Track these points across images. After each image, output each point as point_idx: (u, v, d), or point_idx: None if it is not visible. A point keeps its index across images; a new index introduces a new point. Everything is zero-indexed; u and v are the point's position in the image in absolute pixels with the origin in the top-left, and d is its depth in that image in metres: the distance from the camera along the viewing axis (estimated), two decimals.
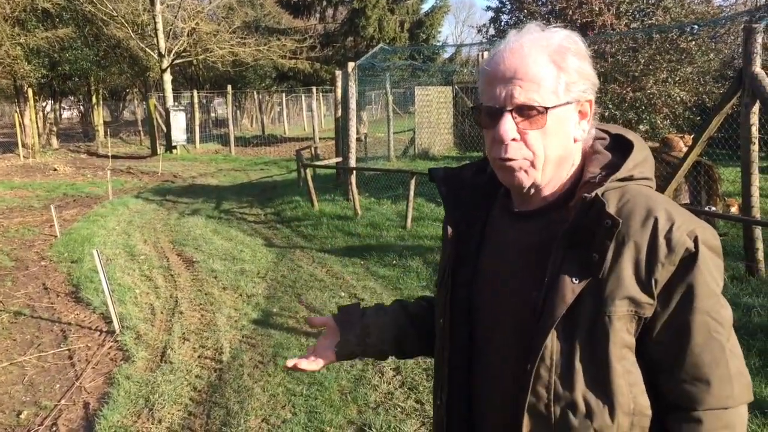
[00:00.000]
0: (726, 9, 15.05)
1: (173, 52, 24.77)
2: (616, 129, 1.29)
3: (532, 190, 1.23)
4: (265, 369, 4.67)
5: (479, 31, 17.07)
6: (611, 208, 1.14)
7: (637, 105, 12.18)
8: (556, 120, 1.18)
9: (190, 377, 4.62)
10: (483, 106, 1.21)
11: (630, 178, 1.19)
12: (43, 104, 29.69)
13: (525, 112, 1.16)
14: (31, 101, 24.32)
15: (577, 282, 1.13)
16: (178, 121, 23.69)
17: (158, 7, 23.62)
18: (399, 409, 3.96)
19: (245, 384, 4.44)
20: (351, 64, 11.46)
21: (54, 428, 4.05)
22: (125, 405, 4.22)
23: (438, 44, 31.22)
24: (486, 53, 8.99)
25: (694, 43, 11.92)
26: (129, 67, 30.15)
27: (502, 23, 16.68)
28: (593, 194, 1.13)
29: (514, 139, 1.17)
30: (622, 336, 1.13)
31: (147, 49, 25.01)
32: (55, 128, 29.47)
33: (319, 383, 4.35)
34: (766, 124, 6.56)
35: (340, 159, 12.48)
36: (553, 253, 1.16)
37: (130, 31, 24.10)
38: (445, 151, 18.03)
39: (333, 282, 6.79)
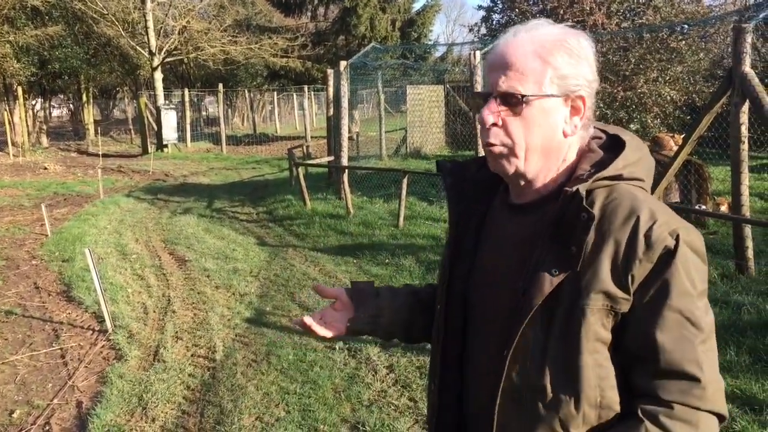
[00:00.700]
0: (715, 9, 15.15)
1: (164, 50, 24.66)
2: (614, 129, 1.31)
3: (523, 182, 1.27)
4: (259, 367, 4.68)
5: (471, 30, 17.09)
6: (597, 205, 1.17)
7: (628, 104, 12.26)
8: (539, 111, 1.21)
9: (184, 376, 4.62)
10: (475, 92, 1.30)
11: (619, 177, 1.21)
12: (33, 102, 29.48)
13: (507, 99, 1.21)
14: (21, 99, 24.17)
15: (556, 274, 1.16)
16: (169, 120, 23.60)
17: (149, 5, 23.50)
18: (392, 407, 3.97)
19: (239, 382, 4.45)
20: (343, 63, 11.46)
21: (47, 427, 4.04)
22: (118, 404, 4.21)
23: (429, 43, 31.27)
24: (478, 52, 9.02)
25: (684, 42, 12.00)
26: (119, 65, 29.98)
27: (494, 22, 16.72)
28: (574, 189, 1.16)
29: (495, 125, 1.23)
30: (596, 329, 1.15)
31: (137, 47, 24.89)
32: (45, 127, 29.28)
33: (312, 381, 4.36)
34: (755, 123, 6.60)
35: (332, 158, 12.48)
36: (538, 245, 1.20)
37: (121, 29, 23.96)
38: (436, 150, 18.04)
39: (326, 281, 6.80)
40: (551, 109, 1.22)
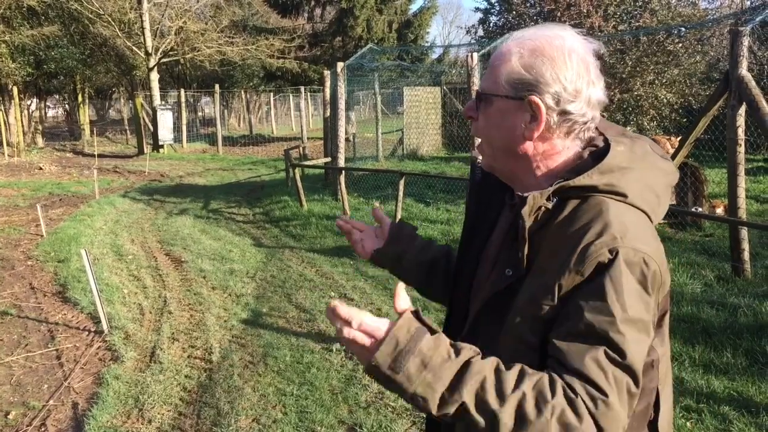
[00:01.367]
0: (711, 12, 15.20)
1: (160, 50, 24.61)
2: (618, 136, 1.26)
3: (503, 178, 1.33)
4: (256, 369, 4.67)
5: (468, 32, 17.13)
6: (564, 213, 1.18)
7: (625, 106, 12.29)
8: (497, 111, 1.25)
9: (180, 377, 4.60)
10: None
11: (593, 189, 1.17)
12: (28, 102, 29.40)
13: (478, 96, 1.29)
14: (16, 99, 24.09)
15: (509, 274, 1.21)
16: (165, 120, 23.56)
17: (145, 5, 23.45)
18: (390, 409, 3.97)
19: (235, 384, 4.43)
20: (340, 64, 11.46)
21: (43, 428, 4.02)
22: (114, 405, 4.20)
23: (426, 45, 31.29)
24: (475, 54, 9.03)
25: (680, 45, 12.04)
26: (115, 65, 29.91)
27: (491, 24, 16.74)
28: (525, 195, 1.19)
29: (472, 118, 1.31)
30: (525, 333, 1.16)
31: (134, 47, 24.84)
32: (40, 127, 29.19)
33: (309, 383, 4.35)
34: (752, 126, 6.62)
35: (328, 159, 12.47)
36: (505, 245, 1.27)
37: (117, 30, 23.91)
38: (433, 151, 18.06)
39: (323, 282, 6.79)
40: (507, 111, 1.23)
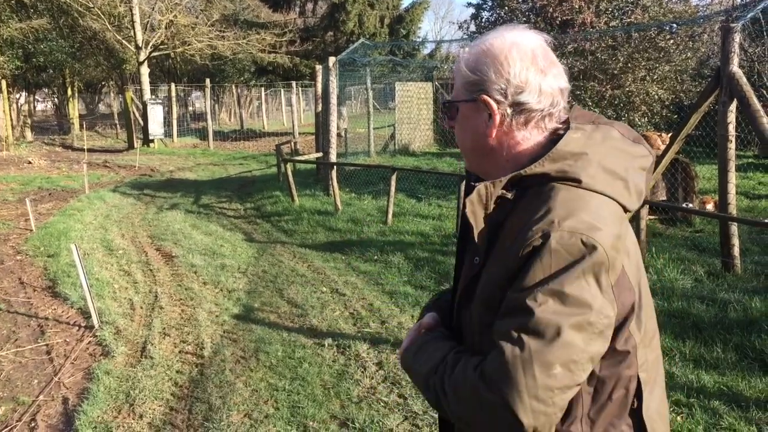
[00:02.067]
0: (702, 8, 15.25)
1: (150, 44, 24.46)
2: (578, 122, 1.28)
3: (483, 175, 1.36)
4: (247, 364, 4.65)
5: (460, 27, 17.07)
6: (521, 204, 1.22)
7: (616, 102, 12.32)
8: (462, 116, 1.34)
9: (171, 372, 4.58)
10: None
11: (546, 177, 1.21)
12: (17, 96, 29.16)
13: (448, 106, 1.38)
14: (5, 93, 23.86)
15: (477, 262, 1.28)
16: (156, 115, 23.43)
17: None
18: (382, 404, 3.96)
19: (227, 379, 4.42)
20: (332, 59, 11.42)
21: (33, 424, 3.99)
22: (105, 400, 4.17)
23: (418, 40, 31.25)
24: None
25: (672, 41, 12.06)
26: (105, 59, 29.72)
27: (483, 20, 16.71)
28: (475, 184, 1.26)
29: (453, 127, 1.38)
30: (482, 316, 1.24)
31: (124, 41, 24.69)
32: (29, 121, 28.97)
33: (301, 378, 4.34)
34: (742, 122, 6.65)
35: (320, 154, 12.44)
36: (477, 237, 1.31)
37: (107, 23, 23.74)
38: (425, 147, 18.06)
39: (314, 277, 6.78)
40: (469, 114, 1.32)
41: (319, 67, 12.86)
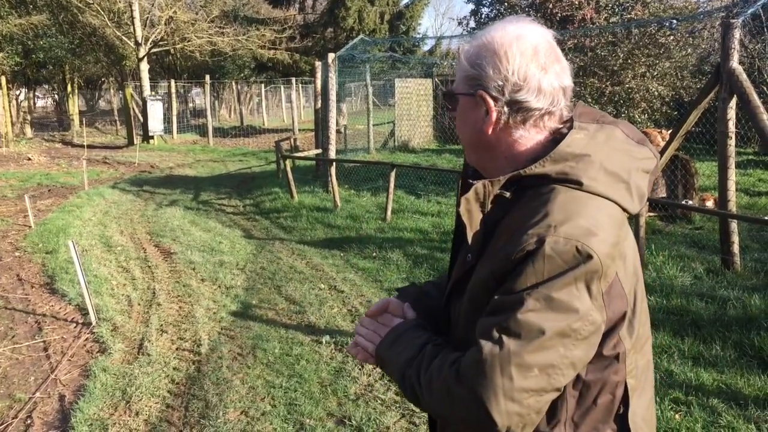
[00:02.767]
0: (702, 4, 15.21)
1: (150, 40, 24.41)
2: (581, 121, 1.25)
3: (480, 169, 1.35)
4: (245, 361, 4.64)
5: (460, 23, 17.04)
6: (520, 204, 1.20)
7: (616, 99, 12.29)
8: (461, 109, 1.31)
9: (168, 369, 4.57)
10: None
11: (546, 177, 1.18)
12: (17, 92, 29.12)
13: (448, 96, 1.36)
14: (5, 89, 23.81)
15: (470, 260, 1.26)
16: (155, 111, 23.38)
17: None
18: (379, 402, 3.95)
19: (224, 376, 4.41)
20: (331, 55, 11.39)
21: (29, 421, 3.98)
22: (102, 397, 4.16)
23: (418, 36, 31.19)
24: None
25: (672, 37, 12.03)
26: (105, 55, 29.66)
27: (483, 16, 16.67)
28: (473, 182, 1.23)
29: (453, 118, 1.36)
30: (469, 312, 1.23)
31: (123, 37, 24.62)
32: (29, 117, 28.91)
33: (298, 375, 4.33)
34: (742, 119, 6.63)
35: (319, 150, 12.42)
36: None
37: (106, 19, 23.68)
38: (424, 143, 18.03)
39: (313, 274, 6.76)
40: (467, 107, 1.29)
41: (318, 64, 12.83)
